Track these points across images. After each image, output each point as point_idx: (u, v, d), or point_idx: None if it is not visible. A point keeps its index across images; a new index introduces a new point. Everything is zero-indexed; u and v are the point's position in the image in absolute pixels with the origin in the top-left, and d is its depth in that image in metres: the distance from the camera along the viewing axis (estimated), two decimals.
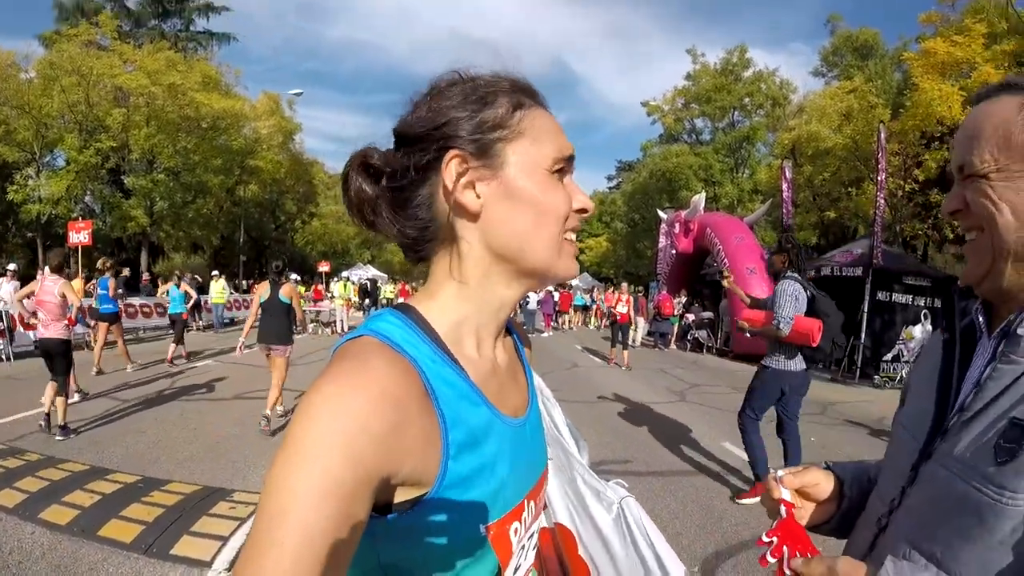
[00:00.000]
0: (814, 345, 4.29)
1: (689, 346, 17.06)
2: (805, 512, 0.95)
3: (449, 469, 0.63)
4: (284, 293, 6.56)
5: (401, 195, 0.71)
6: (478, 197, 0.67)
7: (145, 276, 22.89)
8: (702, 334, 17.00)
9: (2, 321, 10.56)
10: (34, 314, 6.09)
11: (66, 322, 6.01)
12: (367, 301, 18.92)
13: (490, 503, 0.67)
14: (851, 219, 23.99)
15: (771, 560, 0.78)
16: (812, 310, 4.39)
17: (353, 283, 23.41)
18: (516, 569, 0.74)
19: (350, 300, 20.35)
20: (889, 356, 11.13)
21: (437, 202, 0.69)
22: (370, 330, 0.66)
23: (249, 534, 0.52)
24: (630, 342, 18.58)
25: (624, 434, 6.79)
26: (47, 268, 6.29)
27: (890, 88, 24.35)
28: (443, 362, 0.66)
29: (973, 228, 0.79)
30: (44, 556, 3.44)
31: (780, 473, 0.93)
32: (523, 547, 0.75)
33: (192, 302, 13.23)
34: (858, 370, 11.41)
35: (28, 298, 6.50)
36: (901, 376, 10.64)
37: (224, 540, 3.66)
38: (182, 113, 26.22)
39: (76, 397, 6.40)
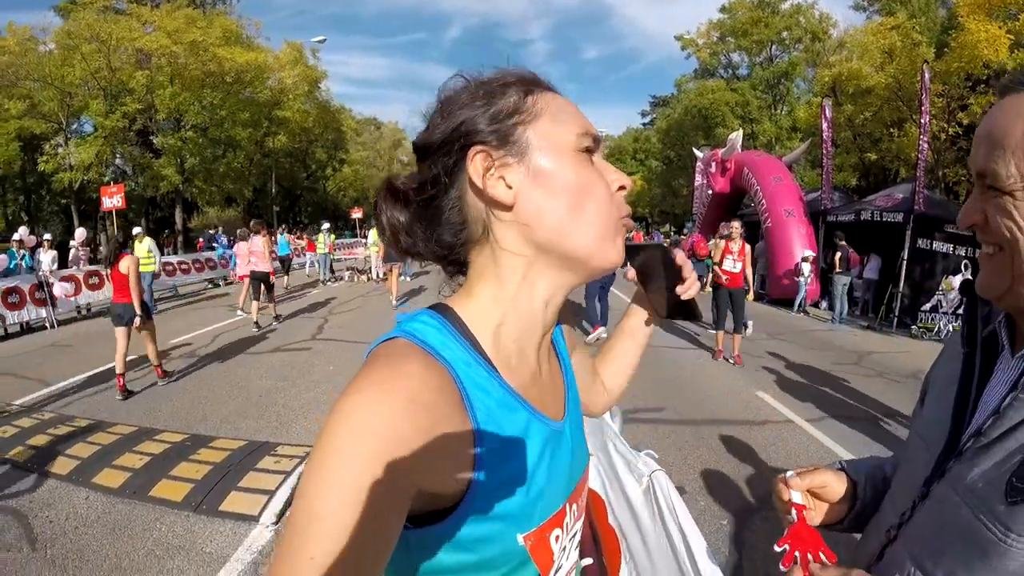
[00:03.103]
0: None
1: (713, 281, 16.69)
2: (817, 513, 0.95)
3: (483, 478, 0.62)
4: None
5: (432, 205, 0.69)
6: (509, 188, 0.65)
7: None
8: None
9: (43, 290, 10.68)
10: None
11: (269, 260, 10.53)
12: None
13: (527, 511, 0.66)
14: (892, 161, 23.07)
15: (784, 570, 0.78)
16: None
17: None
18: (557, 571, 0.73)
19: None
20: (927, 306, 10.82)
21: (468, 203, 0.68)
22: (404, 331, 0.64)
23: (282, 537, 0.52)
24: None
25: (656, 381, 6.78)
26: (251, 231, 10.65)
27: (934, 25, 23.05)
28: (479, 366, 0.65)
29: (992, 244, 0.72)
30: (99, 520, 3.59)
31: (788, 475, 0.92)
32: (564, 549, 0.74)
33: (295, 247, 19.05)
34: (895, 318, 11.17)
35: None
36: (939, 327, 10.39)
37: (271, 494, 3.79)
38: (205, 69, 26.21)
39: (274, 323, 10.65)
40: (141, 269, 12.23)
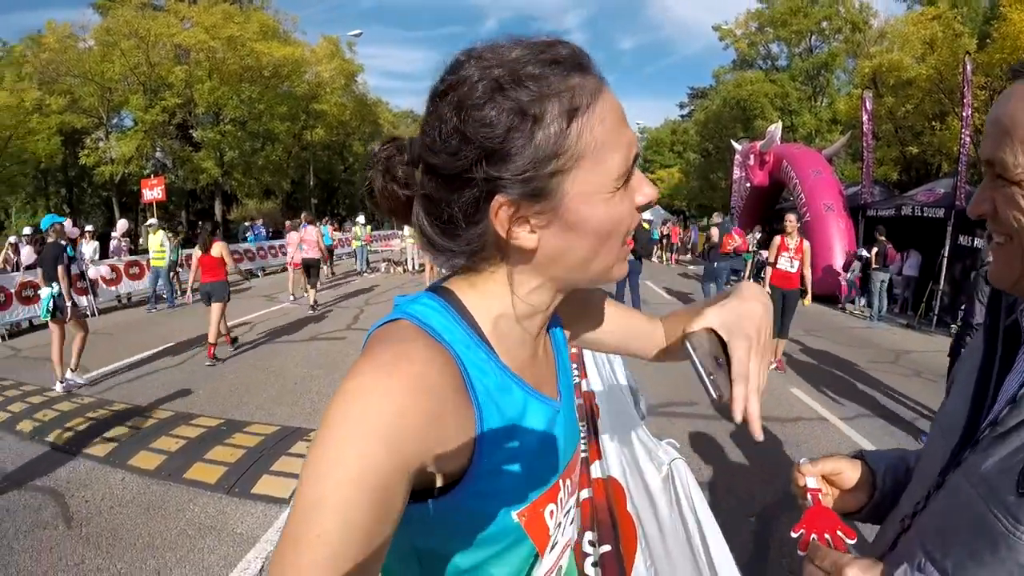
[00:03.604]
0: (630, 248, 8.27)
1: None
2: (831, 499, 0.94)
3: (482, 458, 0.62)
4: None
5: (448, 227, 0.64)
6: (532, 232, 0.62)
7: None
8: None
9: (84, 280, 10.78)
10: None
11: (320, 249, 11.27)
12: None
13: (522, 490, 0.67)
14: (934, 155, 22.41)
15: (801, 555, 0.78)
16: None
17: None
18: (553, 546, 0.74)
19: None
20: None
21: (487, 236, 0.63)
22: (406, 314, 0.64)
23: (288, 520, 0.52)
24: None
25: (688, 376, 6.65)
26: (305, 221, 11.61)
27: (976, 15, 22.25)
28: (479, 349, 0.65)
29: (1002, 233, 0.70)
30: (134, 500, 3.69)
31: (802, 461, 0.93)
32: (559, 524, 0.75)
33: (335, 238, 19.25)
34: (935, 317, 10.84)
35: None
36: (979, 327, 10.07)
37: None
38: (243, 64, 26.63)
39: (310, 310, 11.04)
40: (153, 263, 12.01)
